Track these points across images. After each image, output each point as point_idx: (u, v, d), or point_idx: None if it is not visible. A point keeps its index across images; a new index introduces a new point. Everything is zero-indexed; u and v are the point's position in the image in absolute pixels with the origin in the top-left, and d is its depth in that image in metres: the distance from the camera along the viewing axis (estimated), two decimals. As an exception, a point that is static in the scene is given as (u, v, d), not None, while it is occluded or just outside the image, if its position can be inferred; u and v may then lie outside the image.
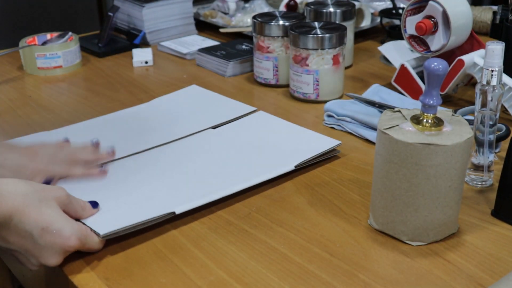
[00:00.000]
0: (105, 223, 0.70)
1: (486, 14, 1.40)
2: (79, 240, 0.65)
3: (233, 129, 0.96)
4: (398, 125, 0.67)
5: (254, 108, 1.03)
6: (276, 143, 0.90)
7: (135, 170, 0.84)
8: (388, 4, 1.52)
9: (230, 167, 0.84)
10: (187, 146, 0.91)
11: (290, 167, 0.83)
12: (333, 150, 0.88)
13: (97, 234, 0.68)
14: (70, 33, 1.30)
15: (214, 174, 0.82)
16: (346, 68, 1.23)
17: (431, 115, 0.66)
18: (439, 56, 1.01)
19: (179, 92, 1.13)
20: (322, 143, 0.89)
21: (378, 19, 1.44)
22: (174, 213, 0.72)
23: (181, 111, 1.04)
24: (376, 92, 1.06)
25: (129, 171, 0.84)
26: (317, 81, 1.06)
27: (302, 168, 0.85)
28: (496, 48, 0.73)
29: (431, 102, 0.66)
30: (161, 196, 0.77)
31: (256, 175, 0.81)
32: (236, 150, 0.89)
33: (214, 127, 0.96)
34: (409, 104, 1.01)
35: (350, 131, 0.96)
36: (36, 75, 1.25)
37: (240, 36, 1.42)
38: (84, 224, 0.69)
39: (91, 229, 0.68)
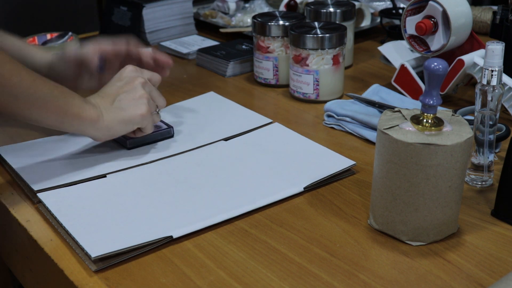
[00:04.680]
0: (98, 244, 0.68)
1: (486, 14, 1.40)
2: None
3: (245, 142, 0.93)
4: (398, 125, 0.67)
5: (269, 120, 0.99)
6: (288, 160, 0.86)
7: (137, 184, 0.81)
8: (388, 4, 1.52)
9: (236, 185, 0.80)
10: (196, 160, 0.88)
11: (299, 188, 0.79)
12: (347, 170, 0.84)
13: (89, 256, 0.67)
14: (70, 33, 1.30)
15: (219, 193, 0.79)
16: (346, 68, 1.23)
17: (431, 115, 0.66)
18: (439, 56, 1.01)
19: (195, 99, 1.10)
20: (336, 162, 0.85)
21: (378, 19, 1.44)
22: (171, 237, 0.70)
23: (194, 120, 1.01)
24: (376, 92, 1.06)
25: (131, 185, 0.81)
26: (317, 81, 1.06)
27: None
28: (496, 48, 0.73)
29: (431, 102, 0.66)
30: (160, 216, 0.74)
31: (262, 197, 0.77)
32: (245, 166, 0.85)
33: (226, 139, 0.93)
34: (409, 104, 1.01)
35: (350, 131, 0.96)
36: (36, 75, 1.25)
37: (240, 36, 1.42)
38: None
39: None
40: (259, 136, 0.95)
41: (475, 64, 0.98)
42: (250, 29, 1.38)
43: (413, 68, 1.06)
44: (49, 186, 0.80)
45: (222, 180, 0.82)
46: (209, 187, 0.80)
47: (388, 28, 1.40)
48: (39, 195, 0.78)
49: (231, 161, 0.87)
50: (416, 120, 0.67)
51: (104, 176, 0.83)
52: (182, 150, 0.90)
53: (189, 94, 1.13)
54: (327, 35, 1.04)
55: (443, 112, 0.69)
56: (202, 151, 0.90)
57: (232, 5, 1.53)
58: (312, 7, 1.22)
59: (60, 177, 0.82)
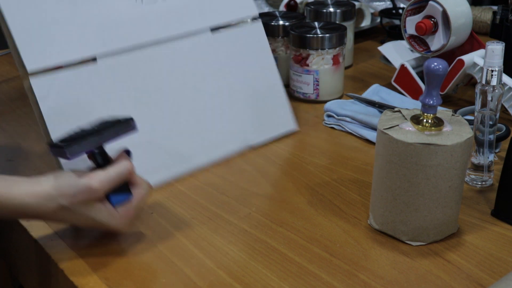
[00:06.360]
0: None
1: (486, 14, 1.40)
2: None
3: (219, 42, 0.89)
4: (398, 125, 0.67)
5: (255, 14, 0.95)
6: (237, 106, 0.89)
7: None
8: (388, 4, 1.52)
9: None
10: (168, 60, 0.84)
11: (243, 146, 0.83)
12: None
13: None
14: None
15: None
16: (346, 68, 1.23)
17: (431, 115, 0.66)
18: (439, 56, 1.01)
19: None
20: (280, 122, 0.89)
21: (378, 19, 1.44)
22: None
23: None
24: (376, 92, 1.06)
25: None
26: (317, 81, 1.06)
27: (301, 168, 0.86)
28: (496, 48, 0.73)
29: (431, 102, 0.66)
30: None
31: (204, 153, 0.82)
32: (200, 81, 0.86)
33: (213, 30, 0.89)
34: (409, 104, 1.01)
35: (350, 131, 0.96)
36: (36, 75, 1.25)
37: (240, 36, 1.41)
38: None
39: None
40: (234, 40, 0.92)
41: (475, 64, 0.98)
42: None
43: (413, 68, 1.06)
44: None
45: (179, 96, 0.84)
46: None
47: (388, 28, 1.40)
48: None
49: (195, 70, 0.86)
50: (416, 120, 0.67)
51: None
52: (159, 38, 0.84)
53: (189, 94, 1.13)
54: (327, 35, 1.04)
55: (443, 112, 0.69)
56: (176, 48, 0.86)
57: (232, 5, 1.53)
58: (312, 7, 1.22)
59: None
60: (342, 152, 0.89)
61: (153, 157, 0.81)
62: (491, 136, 0.78)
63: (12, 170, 0.88)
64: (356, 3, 1.34)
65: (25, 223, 0.75)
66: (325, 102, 1.04)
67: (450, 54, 1.04)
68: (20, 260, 0.82)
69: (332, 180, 0.83)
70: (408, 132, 0.66)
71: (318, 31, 1.05)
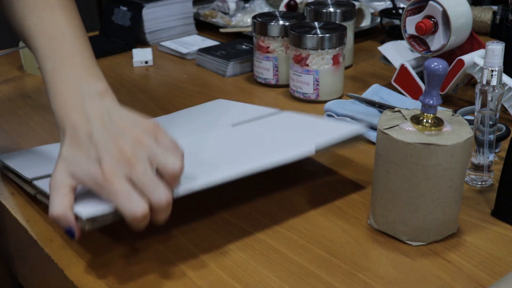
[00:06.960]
0: (91, 205, 0.61)
1: (486, 14, 1.40)
2: None
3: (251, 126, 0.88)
4: (398, 125, 0.67)
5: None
6: (293, 131, 0.84)
7: None
8: (388, 4, 1.52)
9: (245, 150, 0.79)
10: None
11: (310, 149, 0.73)
12: (358, 135, 0.79)
13: (79, 218, 0.60)
14: (70, 33, 1.30)
15: (225, 154, 0.77)
16: (346, 68, 1.23)
17: (431, 115, 0.66)
18: (439, 56, 1.01)
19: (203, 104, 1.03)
20: (344, 128, 0.80)
21: (378, 19, 1.44)
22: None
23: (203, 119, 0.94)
24: (376, 92, 1.06)
25: None
26: (317, 81, 1.06)
27: (301, 168, 0.86)
28: (496, 48, 0.73)
29: (431, 102, 0.66)
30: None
31: (274, 156, 0.73)
32: (251, 143, 0.82)
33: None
34: (409, 104, 1.01)
35: (350, 131, 0.96)
36: (36, 75, 1.25)
37: (240, 36, 1.42)
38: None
39: None
40: (268, 121, 0.89)
41: (475, 64, 0.98)
42: (250, 29, 1.38)
43: (413, 68, 1.06)
44: (44, 174, 0.75)
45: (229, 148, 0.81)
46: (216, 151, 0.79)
47: (388, 28, 1.40)
48: (36, 182, 0.74)
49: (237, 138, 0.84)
50: (416, 120, 0.67)
51: None
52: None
53: (189, 94, 1.13)
54: (327, 35, 1.04)
55: (443, 112, 0.69)
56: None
57: (232, 5, 1.54)
58: (312, 7, 1.22)
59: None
60: (342, 152, 0.89)
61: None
62: (491, 136, 0.78)
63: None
64: (356, 3, 1.34)
65: (25, 223, 0.75)
66: (325, 102, 1.04)
67: (450, 54, 1.04)
68: (20, 260, 0.82)
69: (332, 180, 0.83)
70: (408, 132, 0.66)
71: (318, 31, 1.05)
